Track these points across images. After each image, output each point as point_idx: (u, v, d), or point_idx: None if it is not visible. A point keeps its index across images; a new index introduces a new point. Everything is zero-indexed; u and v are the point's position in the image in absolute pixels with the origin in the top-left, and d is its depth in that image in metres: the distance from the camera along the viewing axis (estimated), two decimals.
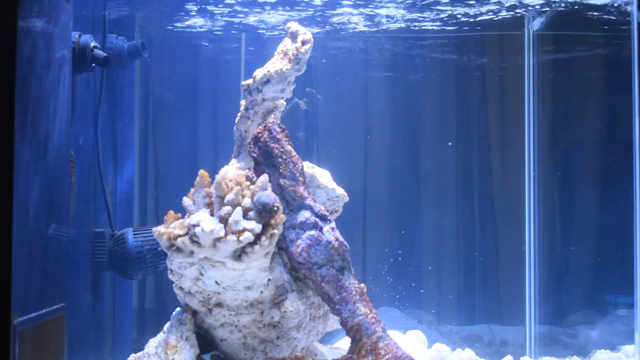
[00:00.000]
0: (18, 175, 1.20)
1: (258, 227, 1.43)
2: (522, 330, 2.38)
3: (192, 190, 1.46)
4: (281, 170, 1.53)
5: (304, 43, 1.59)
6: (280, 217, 1.45)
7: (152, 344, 1.60)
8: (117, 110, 2.42)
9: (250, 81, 1.64)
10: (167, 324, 1.61)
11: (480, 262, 2.38)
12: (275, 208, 1.42)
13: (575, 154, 2.54)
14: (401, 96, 2.46)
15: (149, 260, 2.18)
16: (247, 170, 1.56)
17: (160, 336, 1.60)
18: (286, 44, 1.63)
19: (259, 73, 1.62)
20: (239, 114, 1.69)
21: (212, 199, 1.44)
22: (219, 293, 1.53)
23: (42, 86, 1.43)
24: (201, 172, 1.44)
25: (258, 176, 1.51)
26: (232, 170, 1.57)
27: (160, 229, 1.48)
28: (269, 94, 1.60)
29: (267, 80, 1.57)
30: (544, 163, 2.50)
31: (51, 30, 1.47)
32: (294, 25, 1.65)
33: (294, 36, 1.62)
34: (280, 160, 1.54)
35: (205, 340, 1.67)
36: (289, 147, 1.56)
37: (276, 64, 1.60)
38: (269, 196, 1.43)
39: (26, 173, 1.27)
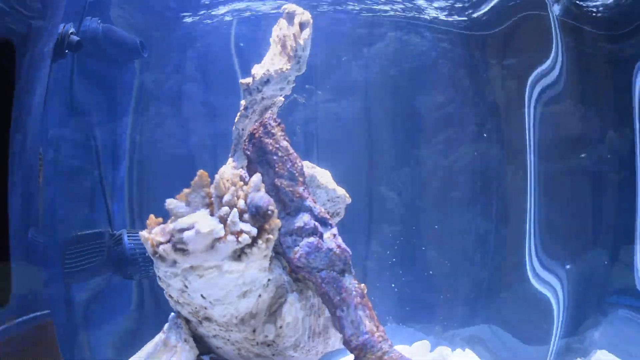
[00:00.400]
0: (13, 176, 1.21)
1: (253, 231, 1.36)
2: (542, 347, 2.26)
3: (185, 190, 1.38)
4: (277, 169, 1.45)
5: (302, 26, 1.50)
6: (275, 223, 1.37)
7: (153, 341, 1.56)
8: (105, 104, 2.33)
9: (249, 80, 1.56)
10: (166, 325, 1.56)
11: (494, 269, 2.23)
12: (270, 212, 1.34)
13: (592, 151, 2.42)
14: (408, 88, 2.29)
15: (141, 264, 2.11)
16: (241, 169, 1.48)
17: (160, 336, 1.56)
18: (282, 26, 1.54)
19: (258, 72, 1.54)
20: (238, 114, 1.62)
21: (212, 199, 1.38)
22: (205, 308, 1.45)
23: (30, 81, 1.45)
24: (200, 172, 1.37)
25: (251, 175, 1.43)
26: (229, 170, 1.50)
27: (145, 233, 1.41)
28: (268, 92, 1.53)
29: (267, 80, 1.50)
30: (558, 162, 2.37)
31: (43, 25, 1.50)
32: (290, 6, 1.56)
33: (290, 17, 1.52)
34: (275, 157, 1.46)
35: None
36: (285, 143, 1.48)
37: (275, 60, 1.52)
38: (262, 198, 1.35)
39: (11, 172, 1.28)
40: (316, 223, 1.45)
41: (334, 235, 1.47)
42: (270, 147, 1.46)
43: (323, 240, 1.46)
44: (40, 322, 1.71)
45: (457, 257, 2.26)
